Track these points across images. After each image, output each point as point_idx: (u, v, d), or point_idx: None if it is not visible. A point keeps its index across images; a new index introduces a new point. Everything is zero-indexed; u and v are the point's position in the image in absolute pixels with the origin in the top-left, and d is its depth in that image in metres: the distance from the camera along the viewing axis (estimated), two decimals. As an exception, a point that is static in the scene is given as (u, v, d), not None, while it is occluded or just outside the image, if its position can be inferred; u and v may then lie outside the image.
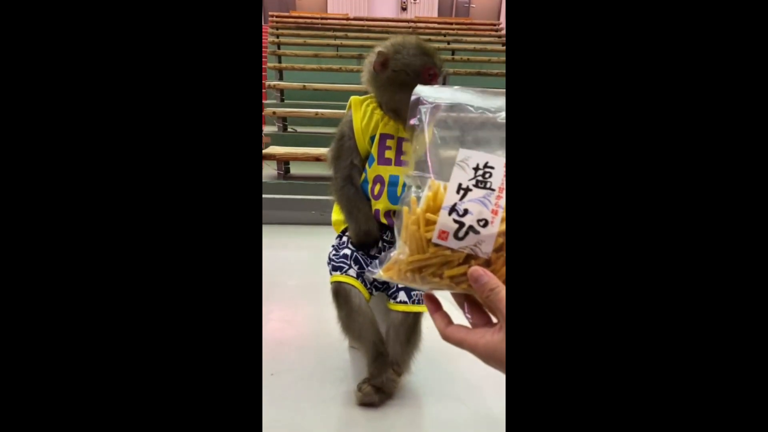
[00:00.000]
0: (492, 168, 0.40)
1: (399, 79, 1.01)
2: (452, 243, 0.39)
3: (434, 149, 0.43)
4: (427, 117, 0.43)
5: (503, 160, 0.40)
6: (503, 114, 0.41)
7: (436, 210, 0.40)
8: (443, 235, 0.39)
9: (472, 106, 0.42)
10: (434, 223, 0.39)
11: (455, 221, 0.39)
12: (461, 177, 0.40)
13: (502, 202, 0.39)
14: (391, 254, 0.42)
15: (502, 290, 0.37)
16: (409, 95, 1.00)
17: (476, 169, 0.40)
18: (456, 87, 0.45)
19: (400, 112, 1.03)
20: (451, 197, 0.39)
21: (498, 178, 0.39)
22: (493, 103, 0.42)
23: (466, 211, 0.39)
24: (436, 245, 0.39)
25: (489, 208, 0.39)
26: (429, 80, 1.02)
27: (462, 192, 0.39)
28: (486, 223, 0.39)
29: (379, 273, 0.43)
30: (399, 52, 1.03)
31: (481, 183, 0.40)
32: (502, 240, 0.39)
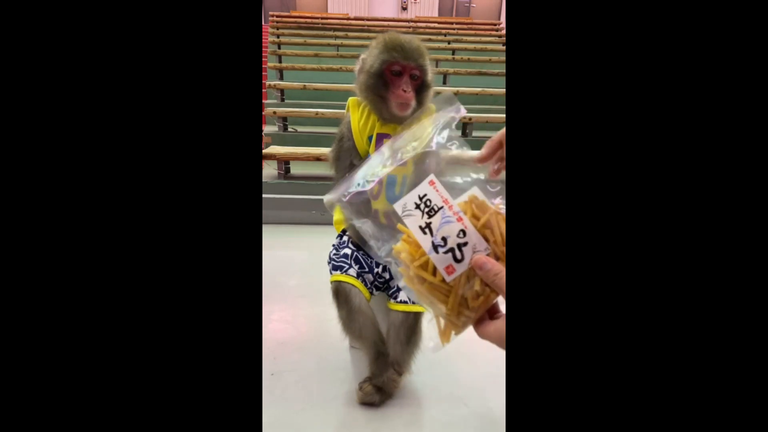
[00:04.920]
0: (426, 194, 0.44)
1: (368, 83, 0.99)
2: (461, 267, 0.42)
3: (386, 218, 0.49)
4: (350, 211, 0.49)
5: (426, 182, 0.44)
6: (406, 152, 0.47)
7: (424, 261, 0.43)
8: (449, 269, 0.42)
9: (369, 178, 0.48)
10: (433, 268, 0.43)
11: (445, 252, 0.42)
12: (414, 221, 0.44)
13: (455, 207, 0.43)
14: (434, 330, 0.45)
15: (504, 274, 0.39)
16: (377, 98, 1.03)
17: (417, 206, 0.44)
18: (351, 174, 0.50)
19: (379, 116, 1.03)
20: (424, 241, 0.43)
21: (435, 196, 0.44)
22: (381, 163, 0.48)
23: (444, 239, 0.42)
24: (452, 280, 0.42)
25: (454, 220, 0.43)
26: (394, 78, 0.97)
27: (427, 230, 0.43)
28: (464, 233, 0.42)
29: (443, 344, 0.45)
30: (367, 55, 1.01)
31: (431, 211, 0.43)
32: (484, 231, 0.42)
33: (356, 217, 0.48)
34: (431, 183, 0.44)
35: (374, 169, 0.48)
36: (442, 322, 0.44)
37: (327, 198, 0.49)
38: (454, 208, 0.43)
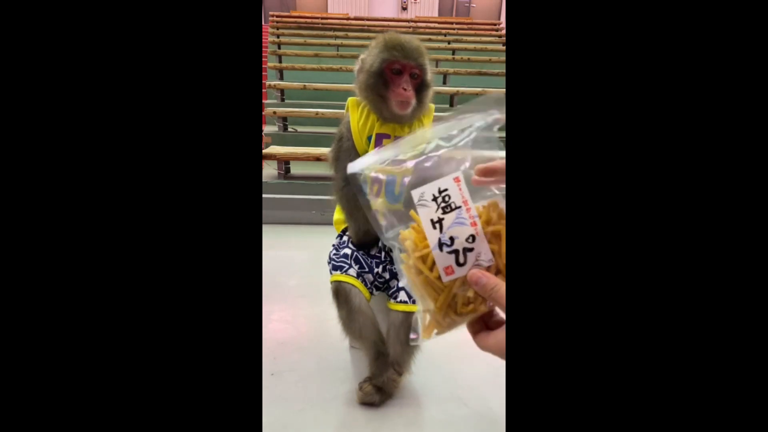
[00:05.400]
0: (446, 189, 0.42)
1: (368, 82, 0.99)
2: (460, 272, 0.41)
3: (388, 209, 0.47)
4: (368, 186, 0.47)
5: (450, 177, 0.42)
6: (430, 145, 0.45)
7: (425, 253, 0.42)
8: (449, 270, 0.41)
9: (399, 157, 0.46)
10: (432, 262, 0.41)
11: (449, 253, 0.41)
12: (427, 213, 0.42)
13: (473, 210, 0.41)
14: (418, 327, 0.44)
15: (502, 287, 0.38)
16: (377, 97, 1.00)
17: (435, 199, 0.42)
18: (383, 148, 0.48)
19: (379, 115, 1.03)
20: (432, 235, 0.41)
21: (456, 194, 0.42)
22: (412, 146, 0.46)
23: (452, 239, 0.41)
24: (449, 282, 0.41)
25: (467, 223, 0.41)
26: (394, 77, 0.98)
27: (437, 225, 0.41)
28: (473, 238, 0.41)
29: (422, 339, 0.44)
30: (367, 55, 1.02)
31: (447, 208, 0.42)
32: (491, 240, 0.41)
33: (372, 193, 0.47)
34: (456, 180, 0.42)
35: (403, 151, 0.46)
36: (428, 317, 0.43)
37: (351, 165, 0.48)
38: (472, 211, 0.41)
